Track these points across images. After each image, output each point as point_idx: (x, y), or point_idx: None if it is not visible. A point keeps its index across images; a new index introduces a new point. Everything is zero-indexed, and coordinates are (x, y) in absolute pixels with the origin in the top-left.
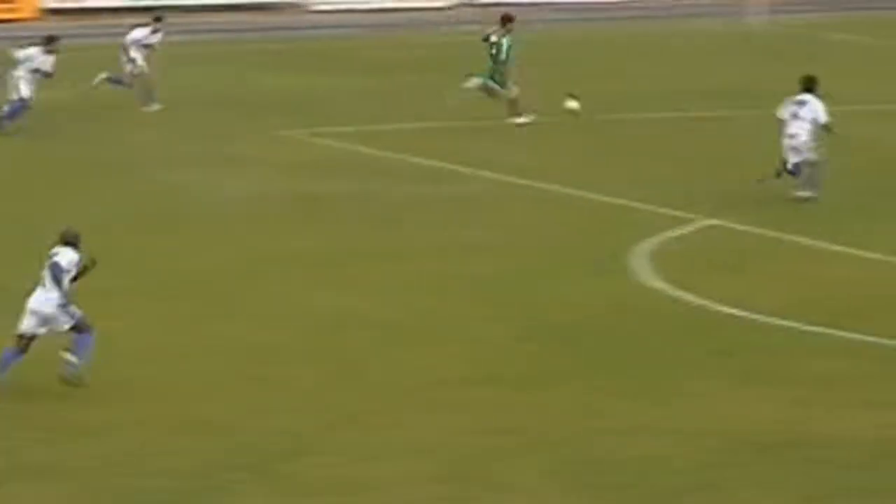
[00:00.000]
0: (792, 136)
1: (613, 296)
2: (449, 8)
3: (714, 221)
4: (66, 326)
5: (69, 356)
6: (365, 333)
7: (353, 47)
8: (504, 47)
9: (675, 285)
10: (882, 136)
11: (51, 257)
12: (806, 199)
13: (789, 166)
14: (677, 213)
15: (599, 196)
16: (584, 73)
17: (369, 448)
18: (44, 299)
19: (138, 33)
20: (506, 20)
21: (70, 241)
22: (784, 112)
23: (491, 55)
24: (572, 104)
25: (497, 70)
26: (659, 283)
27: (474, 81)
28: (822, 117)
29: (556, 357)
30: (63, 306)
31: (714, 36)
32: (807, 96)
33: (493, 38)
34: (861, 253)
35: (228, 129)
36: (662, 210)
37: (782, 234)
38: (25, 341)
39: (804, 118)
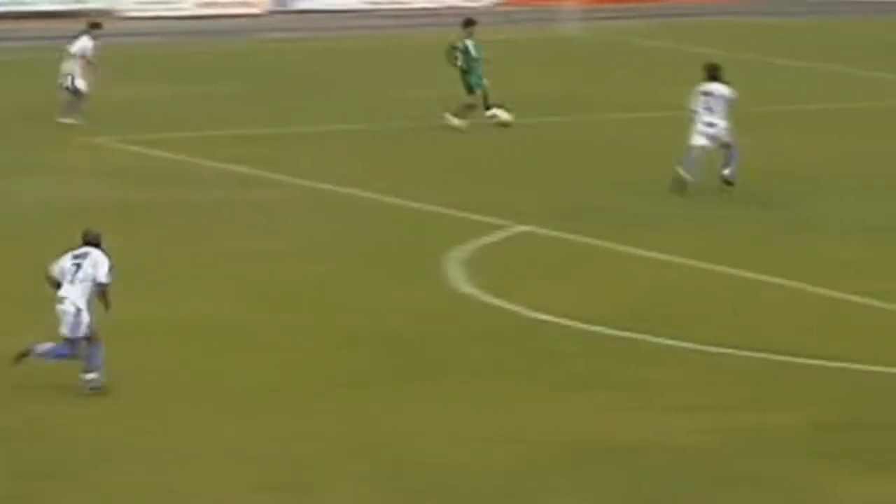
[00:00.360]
0: (710, 125)
1: (427, 302)
2: (261, 15)
3: (527, 228)
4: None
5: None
6: (169, 340)
7: (164, 55)
8: (470, 51)
9: (488, 292)
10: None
11: (81, 256)
12: (731, 181)
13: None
14: (490, 219)
15: (413, 203)
16: (396, 82)
17: (180, 455)
18: (76, 295)
19: None
20: (468, 24)
21: (94, 242)
22: (696, 104)
23: (455, 61)
24: (505, 115)
25: (465, 74)
26: (472, 290)
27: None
28: (731, 96)
29: (370, 364)
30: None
31: (527, 43)
32: (713, 85)
33: (458, 44)
34: (675, 259)
35: (38, 138)
36: (476, 217)
37: (595, 241)
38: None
39: (716, 107)
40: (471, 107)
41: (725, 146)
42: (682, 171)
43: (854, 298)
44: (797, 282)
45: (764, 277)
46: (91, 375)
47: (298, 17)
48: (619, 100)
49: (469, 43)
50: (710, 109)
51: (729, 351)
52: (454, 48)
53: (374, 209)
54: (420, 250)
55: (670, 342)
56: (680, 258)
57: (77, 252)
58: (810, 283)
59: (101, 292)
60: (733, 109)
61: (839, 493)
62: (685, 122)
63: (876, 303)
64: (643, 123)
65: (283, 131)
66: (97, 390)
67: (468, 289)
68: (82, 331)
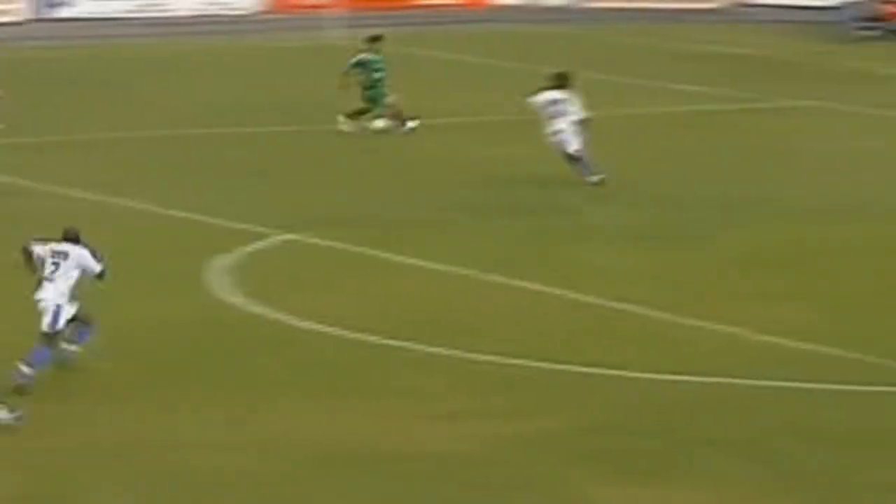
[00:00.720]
0: (556, 133)
1: (189, 312)
2: (21, 23)
3: (292, 237)
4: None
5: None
6: None
7: None
8: (378, 64)
9: (252, 300)
10: (463, 149)
11: (60, 255)
12: (598, 181)
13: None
14: (255, 228)
15: (174, 212)
16: (160, 89)
17: None
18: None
19: None
20: (375, 40)
21: (73, 238)
22: (544, 111)
23: (357, 76)
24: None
25: (373, 86)
26: (236, 298)
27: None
28: (579, 110)
29: (132, 373)
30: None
31: (292, 51)
32: (560, 94)
33: (368, 57)
34: (440, 267)
35: None
36: (240, 226)
37: (361, 249)
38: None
39: (564, 114)
40: (363, 112)
41: (569, 157)
42: (593, 177)
43: (617, 305)
44: (563, 289)
45: (530, 285)
46: (73, 347)
47: (59, 25)
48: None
49: (376, 57)
50: (558, 117)
51: (493, 358)
52: (358, 64)
53: (136, 218)
54: (185, 259)
55: (435, 350)
56: (448, 267)
57: (57, 249)
58: (575, 290)
59: (98, 279)
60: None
61: (600, 498)
62: (448, 128)
63: (638, 309)
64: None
65: (40, 140)
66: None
67: (232, 298)
68: (61, 325)
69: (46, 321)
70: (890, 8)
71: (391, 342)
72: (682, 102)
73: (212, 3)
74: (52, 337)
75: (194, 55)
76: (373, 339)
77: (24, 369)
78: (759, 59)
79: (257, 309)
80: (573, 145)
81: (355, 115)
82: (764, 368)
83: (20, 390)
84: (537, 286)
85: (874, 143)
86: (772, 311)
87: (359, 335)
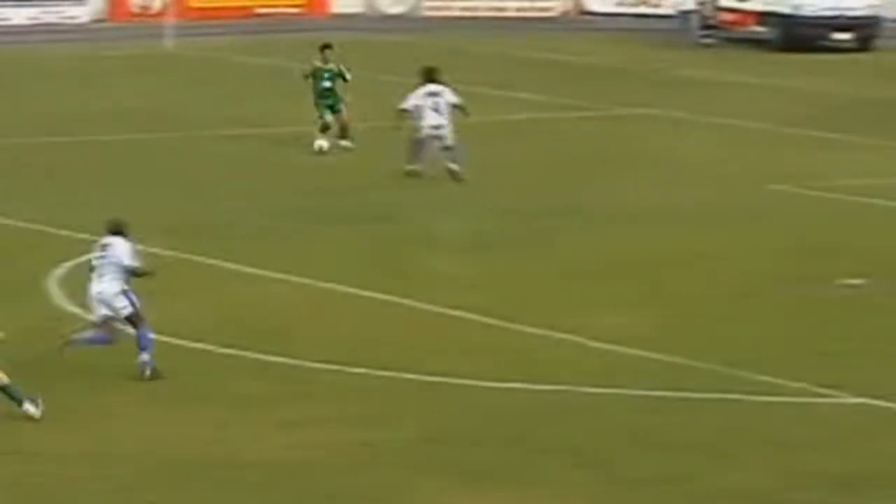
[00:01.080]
0: (436, 128)
1: (27, 321)
2: None
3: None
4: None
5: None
6: None
7: None
8: (333, 73)
9: (90, 309)
10: (302, 157)
11: (105, 249)
12: (459, 174)
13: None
14: (95, 238)
15: (12, 221)
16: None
17: None
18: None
19: None
20: (325, 48)
21: (119, 231)
22: (415, 103)
23: (316, 83)
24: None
25: (329, 96)
26: (75, 308)
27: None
28: (456, 100)
29: None
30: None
31: (127, 59)
32: (436, 87)
33: (326, 65)
34: (279, 276)
35: None
36: (81, 235)
37: (201, 258)
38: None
39: (443, 109)
40: (327, 128)
41: (447, 148)
42: (416, 167)
43: (458, 314)
44: (403, 298)
45: (370, 294)
46: (145, 356)
47: None
48: (217, 115)
49: (333, 66)
50: (437, 111)
51: (333, 367)
52: (320, 70)
53: None
54: (22, 269)
55: (274, 359)
56: (287, 276)
57: (102, 242)
58: (416, 299)
59: (134, 274)
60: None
61: None
62: (285, 136)
63: (478, 318)
64: (248, 139)
65: None
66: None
67: (71, 307)
68: (121, 313)
69: (101, 311)
70: (728, 16)
71: (230, 351)
72: (522, 110)
73: (47, 12)
74: (136, 318)
75: (30, 63)
76: (211, 347)
77: (144, 357)
78: (600, 67)
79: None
80: (450, 139)
81: (342, 132)
82: (603, 376)
83: (155, 375)
84: (377, 295)
85: (711, 150)
86: (611, 319)
87: (197, 344)
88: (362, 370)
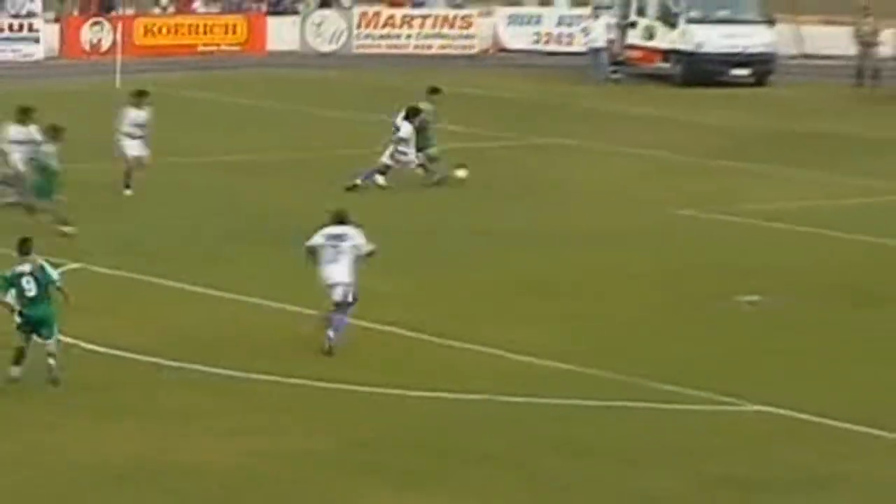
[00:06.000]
0: (402, 153)
1: None
2: None
3: (78, 265)
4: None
5: (331, 333)
6: None
7: None
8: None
9: None
10: (236, 184)
11: (341, 238)
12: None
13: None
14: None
15: None
16: None
17: None
18: (346, 273)
19: None
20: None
21: (345, 220)
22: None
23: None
24: (461, 173)
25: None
26: None
27: None
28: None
29: None
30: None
31: (78, 95)
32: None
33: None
34: (216, 293)
35: None
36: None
37: (142, 277)
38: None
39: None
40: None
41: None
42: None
43: (387, 328)
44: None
45: (302, 309)
46: (332, 333)
47: None
48: (165, 146)
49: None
50: (406, 141)
51: (273, 378)
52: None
53: None
54: None
55: (218, 371)
56: (223, 293)
57: (331, 233)
58: (350, 315)
59: (367, 256)
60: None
61: None
62: (220, 165)
63: (406, 332)
64: (193, 167)
65: None
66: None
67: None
68: (351, 297)
69: (339, 294)
70: (635, 53)
71: (168, 363)
72: (446, 140)
73: (4, 51)
74: (342, 306)
75: None
76: (150, 359)
77: (331, 334)
78: (517, 101)
79: None
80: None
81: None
82: (524, 386)
83: (329, 352)
84: (309, 310)
85: (620, 177)
86: (529, 333)
87: (136, 356)
88: (299, 381)
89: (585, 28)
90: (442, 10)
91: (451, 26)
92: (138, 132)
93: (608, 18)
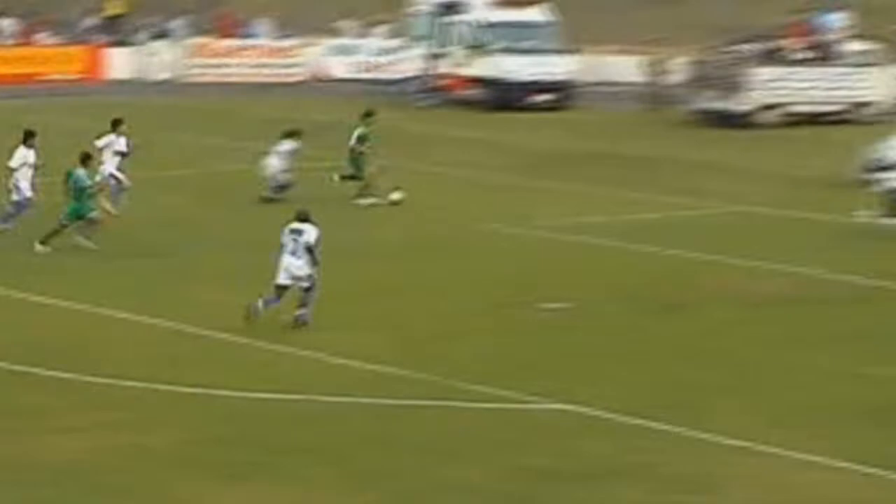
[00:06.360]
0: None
1: None
2: None
3: None
4: (306, 285)
5: (302, 311)
6: None
7: None
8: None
9: None
10: None
11: (298, 233)
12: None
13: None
14: None
15: None
16: None
17: None
18: (297, 264)
19: None
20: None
21: (306, 218)
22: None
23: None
24: (396, 195)
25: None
26: None
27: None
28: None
29: None
30: (311, 275)
31: None
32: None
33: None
34: (63, 303)
35: None
36: None
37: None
38: (281, 291)
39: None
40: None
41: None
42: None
43: (219, 335)
44: (171, 321)
45: (142, 318)
46: (302, 311)
47: None
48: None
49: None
50: (276, 154)
51: (109, 381)
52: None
53: None
54: None
55: (61, 374)
56: (69, 302)
57: (293, 228)
58: (181, 322)
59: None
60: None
61: (200, 499)
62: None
63: (231, 337)
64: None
65: None
66: (304, 323)
67: None
68: (302, 281)
69: (284, 276)
70: (447, 80)
71: (16, 367)
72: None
73: None
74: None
75: None
76: (3, 364)
77: (303, 311)
78: (337, 124)
79: None
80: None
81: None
82: (340, 387)
83: (248, 317)
84: (147, 319)
85: (432, 194)
86: (346, 338)
87: None
88: (134, 383)
89: (401, 58)
90: (269, 42)
91: (278, 56)
92: None
93: (422, 49)
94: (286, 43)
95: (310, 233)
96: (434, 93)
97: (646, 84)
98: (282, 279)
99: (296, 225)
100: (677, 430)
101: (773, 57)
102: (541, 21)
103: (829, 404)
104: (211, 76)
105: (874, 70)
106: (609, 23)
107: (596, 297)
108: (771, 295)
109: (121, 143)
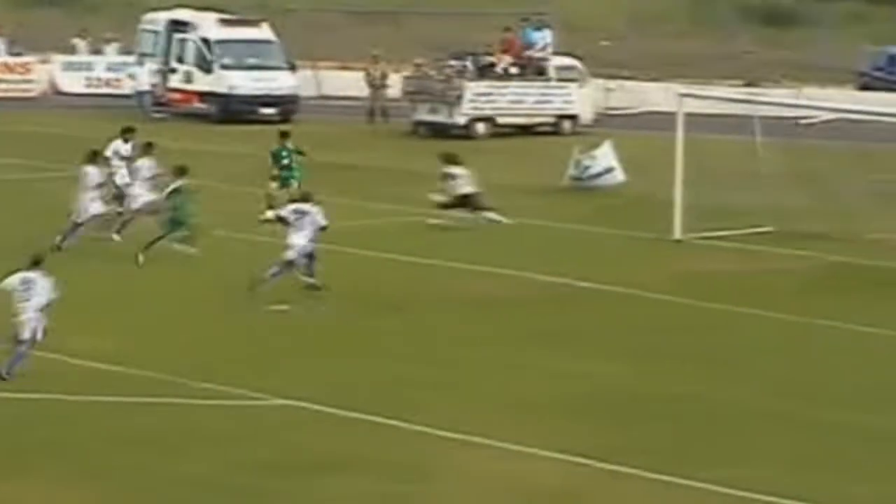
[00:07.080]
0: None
1: None
2: None
3: None
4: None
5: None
6: None
7: None
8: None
9: None
10: None
11: (305, 213)
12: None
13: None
14: None
15: None
16: None
17: None
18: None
19: None
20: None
21: (310, 199)
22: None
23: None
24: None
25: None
26: None
27: None
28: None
29: None
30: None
31: None
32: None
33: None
34: None
35: None
36: None
37: None
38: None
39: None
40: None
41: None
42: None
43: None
44: None
45: None
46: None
47: None
48: None
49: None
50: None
51: None
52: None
53: None
54: None
55: None
56: None
57: (298, 208)
58: None
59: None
60: None
61: None
62: None
63: None
64: None
65: None
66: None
67: None
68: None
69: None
70: (177, 95)
71: None
72: (10, 172)
73: None
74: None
75: None
76: None
77: (309, 280)
78: (68, 137)
79: None
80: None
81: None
82: (80, 386)
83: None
84: None
85: None
86: (84, 341)
87: None
88: None
89: (132, 73)
90: (2, 58)
91: (12, 72)
92: None
93: (152, 65)
94: (20, 59)
95: (315, 212)
96: (164, 107)
97: (365, 98)
98: (290, 256)
99: (301, 206)
100: (393, 423)
101: (484, 72)
102: (266, 38)
103: (536, 398)
104: None
105: (576, 85)
106: (330, 41)
107: (322, 299)
108: (484, 296)
109: None
